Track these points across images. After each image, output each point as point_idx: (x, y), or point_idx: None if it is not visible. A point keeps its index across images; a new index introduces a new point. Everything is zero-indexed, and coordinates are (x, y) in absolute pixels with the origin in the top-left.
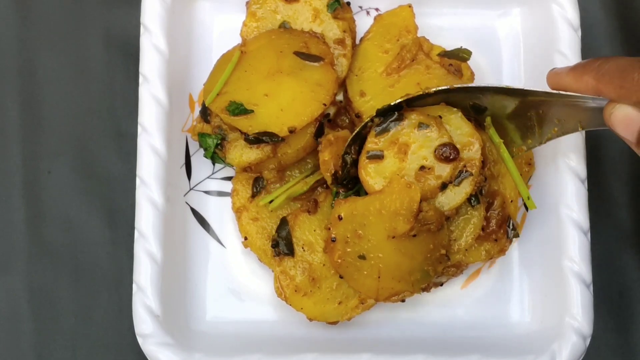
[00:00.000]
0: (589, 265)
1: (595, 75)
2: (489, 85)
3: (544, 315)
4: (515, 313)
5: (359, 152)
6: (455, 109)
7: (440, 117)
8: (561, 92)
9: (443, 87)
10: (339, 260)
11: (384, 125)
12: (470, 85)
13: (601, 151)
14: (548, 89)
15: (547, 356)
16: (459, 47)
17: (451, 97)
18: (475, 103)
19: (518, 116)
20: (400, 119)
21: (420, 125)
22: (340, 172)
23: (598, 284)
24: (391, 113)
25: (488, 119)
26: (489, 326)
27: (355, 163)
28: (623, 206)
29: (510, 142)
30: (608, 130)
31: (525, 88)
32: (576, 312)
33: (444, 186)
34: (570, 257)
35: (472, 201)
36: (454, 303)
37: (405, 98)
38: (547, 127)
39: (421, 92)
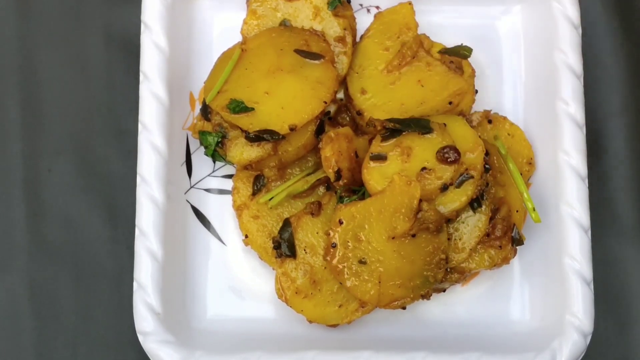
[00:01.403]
0: (590, 263)
1: None
2: None
3: (545, 313)
4: (515, 311)
5: None
6: (460, 117)
7: (445, 124)
8: None
9: None
10: (340, 266)
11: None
12: None
13: (602, 149)
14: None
15: (547, 354)
16: (459, 44)
17: None
18: None
19: None
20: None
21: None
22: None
23: (599, 282)
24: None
25: (497, 133)
26: (489, 324)
27: None
28: (624, 204)
29: None
30: (609, 127)
31: None
32: (577, 310)
33: (444, 188)
34: (570, 255)
35: (474, 205)
36: (454, 301)
37: None
38: None
39: None
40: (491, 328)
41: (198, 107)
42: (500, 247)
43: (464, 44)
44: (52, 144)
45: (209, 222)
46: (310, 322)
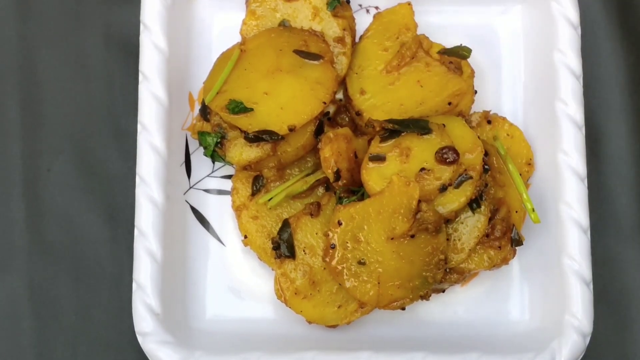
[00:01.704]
0: (589, 263)
1: None
2: None
3: (544, 313)
4: (514, 311)
5: None
6: (459, 117)
7: (444, 125)
8: None
9: None
10: (339, 267)
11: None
12: None
13: (601, 149)
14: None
15: (546, 354)
16: (458, 44)
17: None
18: None
19: None
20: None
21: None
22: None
23: (598, 282)
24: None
25: (496, 134)
26: (489, 324)
27: None
28: (624, 204)
29: None
30: (609, 127)
31: None
32: (576, 310)
33: (443, 188)
34: (570, 255)
35: (473, 206)
36: (454, 301)
37: None
38: None
39: None
40: (491, 328)
41: (197, 107)
42: (500, 247)
43: (463, 45)
44: (51, 144)
45: (208, 223)
46: (310, 322)
